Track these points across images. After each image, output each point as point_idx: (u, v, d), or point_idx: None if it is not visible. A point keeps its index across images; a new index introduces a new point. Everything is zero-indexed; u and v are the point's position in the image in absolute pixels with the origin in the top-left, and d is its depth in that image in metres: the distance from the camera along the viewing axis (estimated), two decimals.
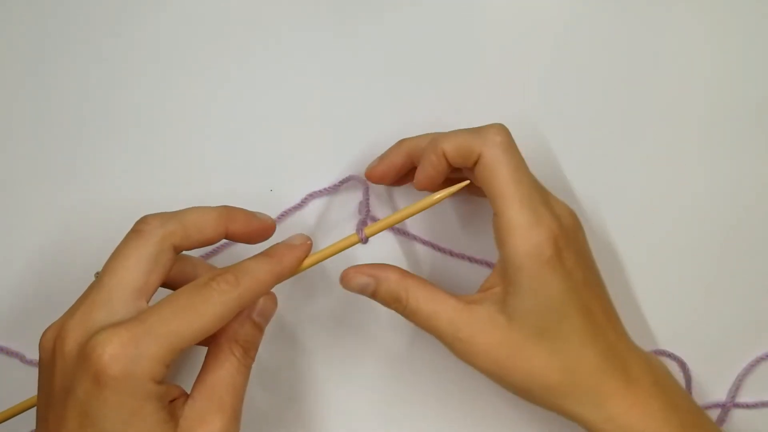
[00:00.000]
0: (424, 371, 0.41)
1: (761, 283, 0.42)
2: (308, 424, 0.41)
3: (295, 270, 0.33)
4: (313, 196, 0.41)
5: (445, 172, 0.35)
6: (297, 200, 0.41)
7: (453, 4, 0.42)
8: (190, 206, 0.33)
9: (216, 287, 0.29)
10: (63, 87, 0.42)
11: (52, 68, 0.42)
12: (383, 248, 0.41)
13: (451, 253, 0.40)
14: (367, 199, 0.38)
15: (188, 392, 0.30)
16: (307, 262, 0.33)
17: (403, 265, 0.39)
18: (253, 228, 0.33)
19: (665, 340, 0.42)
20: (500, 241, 0.33)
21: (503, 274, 0.33)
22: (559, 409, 0.33)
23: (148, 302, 0.30)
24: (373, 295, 0.35)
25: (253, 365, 0.32)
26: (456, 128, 0.35)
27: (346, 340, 0.41)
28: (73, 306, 0.30)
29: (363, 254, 0.40)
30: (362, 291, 0.35)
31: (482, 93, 0.42)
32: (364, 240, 0.34)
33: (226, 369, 0.31)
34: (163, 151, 0.42)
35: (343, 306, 0.41)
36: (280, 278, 0.32)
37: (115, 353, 0.26)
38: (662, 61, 0.42)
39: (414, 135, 0.38)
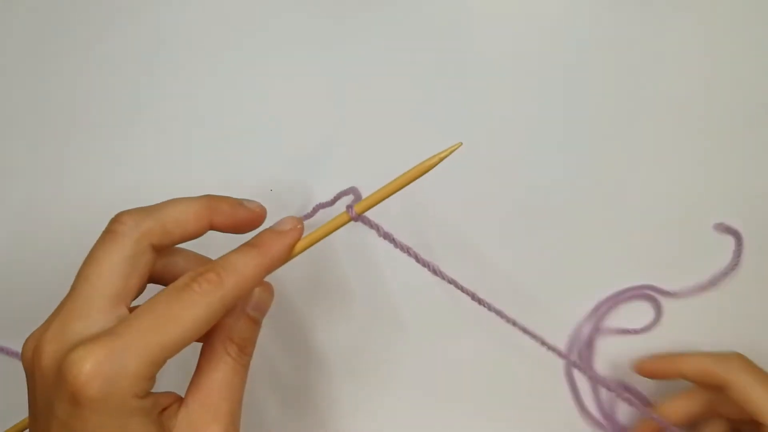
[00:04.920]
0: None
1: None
2: None
3: (285, 259, 0.30)
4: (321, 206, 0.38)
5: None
6: (297, 201, 0.41)
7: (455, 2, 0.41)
8: (171, 198, 0.30)
9: (197, 289, 0.27)
10: (60, 84, 0.42)
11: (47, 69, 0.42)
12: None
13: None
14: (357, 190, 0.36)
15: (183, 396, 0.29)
16: (297, 247, 0.31)
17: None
18: (239, 218, 0.31)
19: None
20: None
21: None
22: None
23: (129, 307, 0.28)
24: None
25: (266, 371, 0.31)
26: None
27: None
28: (50, 317, 0.28)
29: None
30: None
31: (484, 91, 0.41)
32: (355, 218, 0.31)
33: (221, 371, 0.29)
34: (163, 150, 0.41)
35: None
36: (269, 270, 0.30)
37: (92, 373, 0.24)
38: (662, 61, 0.40)
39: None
